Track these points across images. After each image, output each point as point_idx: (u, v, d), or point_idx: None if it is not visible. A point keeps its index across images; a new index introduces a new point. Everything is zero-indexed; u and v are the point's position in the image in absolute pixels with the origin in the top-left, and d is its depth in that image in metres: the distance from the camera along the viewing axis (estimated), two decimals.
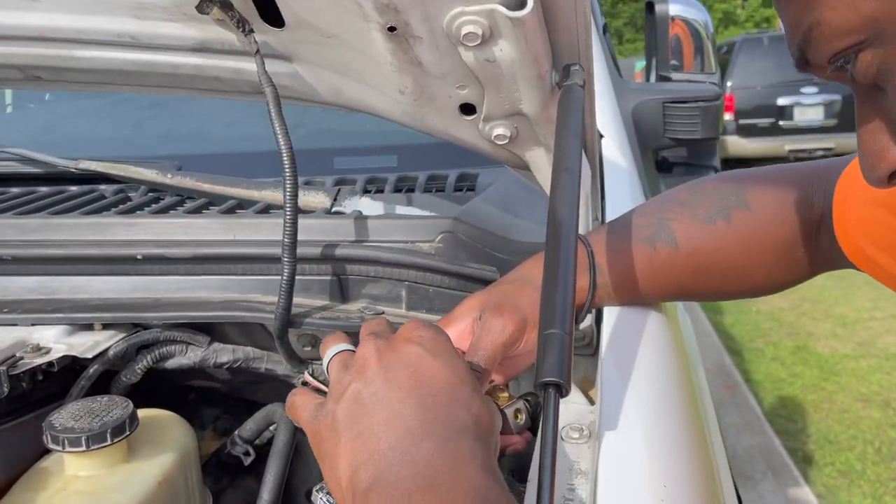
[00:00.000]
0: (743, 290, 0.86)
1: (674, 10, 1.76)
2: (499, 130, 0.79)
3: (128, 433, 0.68)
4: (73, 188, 1.08)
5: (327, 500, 0.60)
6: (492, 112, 0.77)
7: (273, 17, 0.77)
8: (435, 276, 0.83)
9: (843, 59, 0.42)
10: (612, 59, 1.71)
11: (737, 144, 9.01)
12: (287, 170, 0.77)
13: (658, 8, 1.77)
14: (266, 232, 0.87)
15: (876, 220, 0.73)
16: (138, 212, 1.00)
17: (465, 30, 0.65)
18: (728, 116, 8.92)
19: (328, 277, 0.84)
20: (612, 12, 26.41)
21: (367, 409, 0.50)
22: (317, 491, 0.61)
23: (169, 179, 1.03)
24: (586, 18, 0.70)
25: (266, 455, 0.86)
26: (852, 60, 0.42)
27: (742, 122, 9.02)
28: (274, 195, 0.97)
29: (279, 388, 0.90)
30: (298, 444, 0.87)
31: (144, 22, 0.81)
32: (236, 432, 0.88)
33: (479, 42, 0.66)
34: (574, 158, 0.65)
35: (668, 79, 1.68)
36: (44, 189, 1.11)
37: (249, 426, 0.87)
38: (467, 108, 0.78)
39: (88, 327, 0.83)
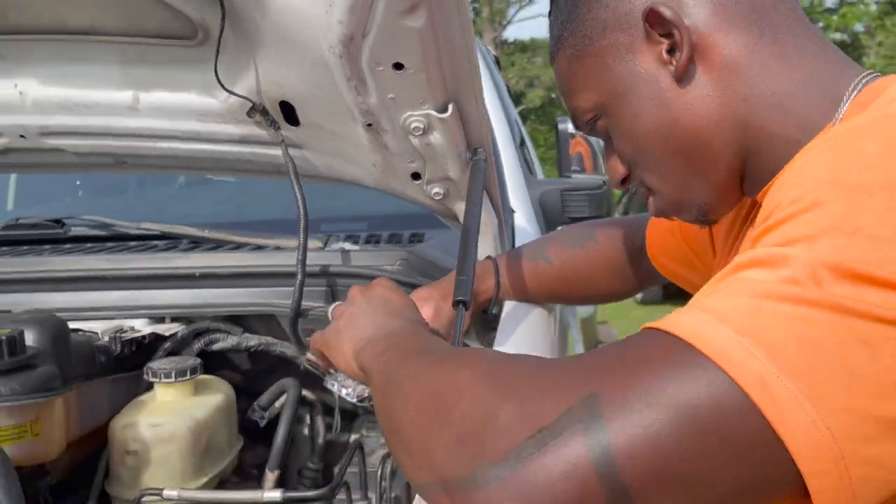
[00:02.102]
0: (592, 295, 1.31)
1: (573, 128, 2.33)
2: (436, 189, 1.25)
3: (198, 374, 1.07)
4: (134, 243, 1.49)
5: (338, 383, 0.99)
6: (431, 177, 1.22)
7: (292, 119, 1.23)
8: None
9: (590, 125, 0.87)
10: (525, 163, 2.21)
11: None
12: (302, 218, 1.20)
13: (560, 127, 2.35)
14: (280, 259, 1.29)
15: (670, 243, 1.19)
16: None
17: (413, 125, 1.12)
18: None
19: (324, 287, 1.26)
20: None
21: (356, 317, 0.91)
22: (329, 382, 1.00)
23: (206, 234, 1.45)
24: (485, 120, 1.18)
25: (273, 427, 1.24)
26: (594, 125, 0.87)
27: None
28: (282, 241, 1.39)
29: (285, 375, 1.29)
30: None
31: (206, 123, 1.27)
32: (255, 403, 1.26)
33: (421, 132, 1.12)
34: (477, 203, 1.10)
35: (568, 177, 2.22)
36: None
37: (265, 397, 1.25)
38: (416, 175, 1.24)
39: (162, 320, 1.23)
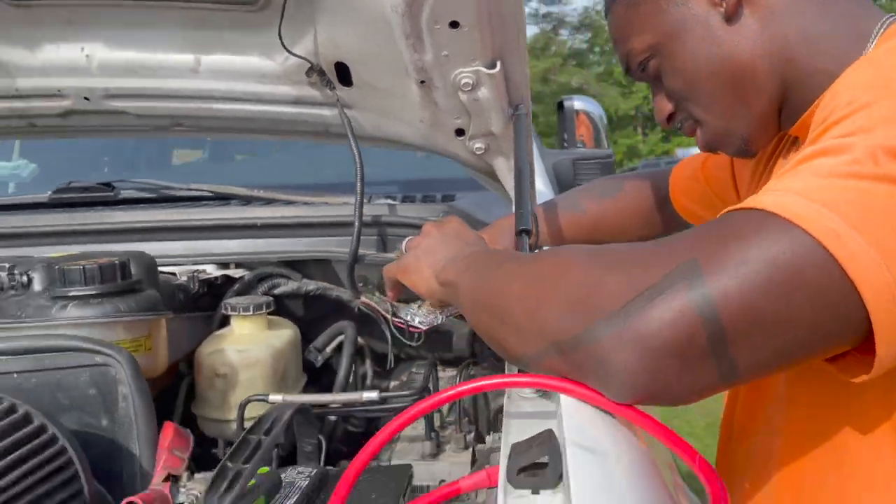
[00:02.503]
0: (624, 240, 1.42)
1: (577, 105, 2.47)
2: (478, 144, 1.35)
3: (271, 309, 1.16)
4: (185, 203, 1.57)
5: (410, 313, 1.08)
6: (474, 133, 1.33)
7: (345, 80, 1.32)
8: None
9: (642, 66, 0.97)
10: (535, 135, 2.33)
11: None
12: (359, 171, 1.29)
13: (566, 104, 2.48)
14: (332, 211, 1.38)
15: (694, 188, 1.31)
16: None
17: (463, 80, 1.22)
18: None
19: (375, 236, 1.36)
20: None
21: (434, 245, 1.01)
22: (403, 312, 1.10)
23: (255, 193, 1.54)
24: (526, 78, 1.28)
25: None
26: (646, 66, 0.97)
27: None
28: (329, 199, 1.48)
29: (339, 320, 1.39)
30: None
31: (264, 85, 1.36)
32: (311, 345, 1.35)
33: (470, 88, 1.22)
34: (525, 148, 1.21)
35: (576, 148, 2.36)
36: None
37: (321, 338, 1.34)
38: (459, 132, 1.34)
39: (226, 267, 1.32)
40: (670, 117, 0.99)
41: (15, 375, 0.80)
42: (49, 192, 1.60)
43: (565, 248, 0.75)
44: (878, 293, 0.57)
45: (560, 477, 0.61)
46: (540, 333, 0.67)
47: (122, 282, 0.96)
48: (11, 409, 0.72)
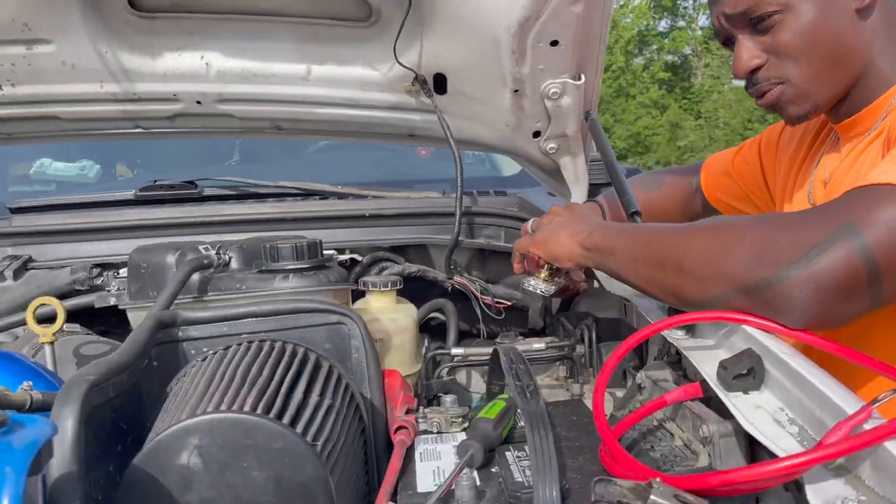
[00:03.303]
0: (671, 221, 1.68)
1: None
2: (551, 144, 1.56)
3: (399, 286, 1.33)
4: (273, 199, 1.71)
5: (535, 282, 1.27)
6: (550, 135, 1.54)
7: (440, 88, 1.51)
8: (516, 222, 1.58)
9: (764, 17, 1.11)
10: None
11: None
12: (459, 169, 1.48)
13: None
14: (424, 203, 1.57)
15: (725, 182, 1.57)
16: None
17: (551, 90, 1.43)
18: None
19: (465, 225, 1.56)
20: None
21: (568, 221, 1.21)
22: (527, 283, 1.29)
23: (339, 189, 1.69)
24: (598, 87, 1.51)
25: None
26: (768, 18, 1.11)
27: None
28: (408, 193, 1.67)
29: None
30: None
31: (366, 92, 1.53)
32: None
33: (557, 97, 1.44)
34: (607, 145, 1.43)
35: None
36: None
37: (420, 311, 1.51)
38: (536, 133, 1.55)
39: (342, 252, 1.49)
40: (754, 70, 1.18)
41: (260, 333, 0.95)
42: (134, 190, 1.70)
43: (725, 217, 0.98)
44: None
45: (762, 380, 0.84)
46: (724, 279, 0.89)
47: (321, 258, 1.12)
48: (306, 355, 0.88)
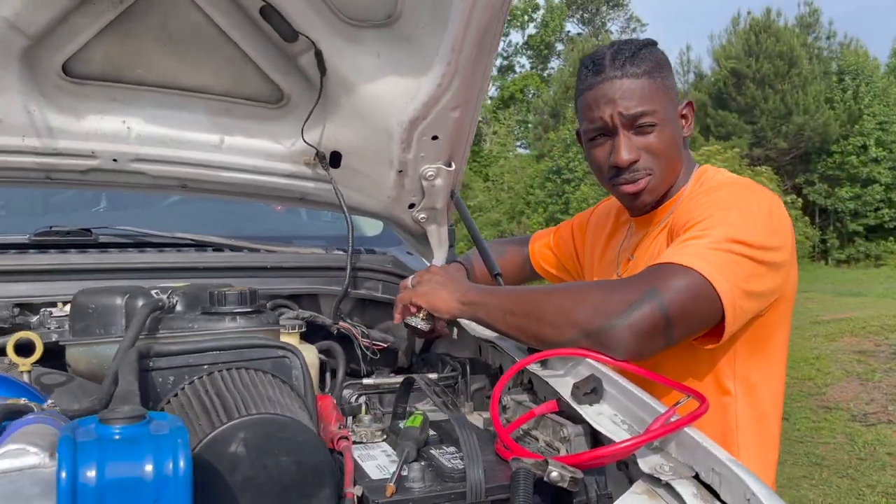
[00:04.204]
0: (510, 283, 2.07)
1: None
2: (422, 215, 1.89)
3: (303, 329, 1.57)
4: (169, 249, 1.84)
5: (416, 319, 1.56)
6: (423, 206, 1.87)
7: (335, 163, 1.80)
8: (391, 277, 1.88)
9: (642, 124, 1.51)
10: None
11: None
12: (350, 230, 1.76)
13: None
14: (316, 259, 1.82)
15: (548, 255, 1.99)
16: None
17: (428, 173, 1.77)
18: None
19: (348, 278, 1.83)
20: None
21: (447, 280, 1.51)
22: (410, 320, 1.57)
23: (229, 242, 1.88)
24: (462, 172, 1.87)
25: None
26: (644, 126, 1.50)
27: None
28: (294, 249, 1.90)
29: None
30: None
31: (269, 161, 1.78)
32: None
33: (432, 178, 1.78)
34: (471, 219, 1.79)
35: None
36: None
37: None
38: (411, 205, 1.87)
39: None
40: (632, 163, 1.54)
41: (218, 365, 1.16)
42: (29, 235, 1.77)
43: (573, 283, 1.36)
44: (728, 299, 1.26)
45: (601, 396, 1.20)
46: (573, 326, 1.26)
47: (258, 303, 1.34)
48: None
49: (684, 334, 1.28)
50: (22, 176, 1.66)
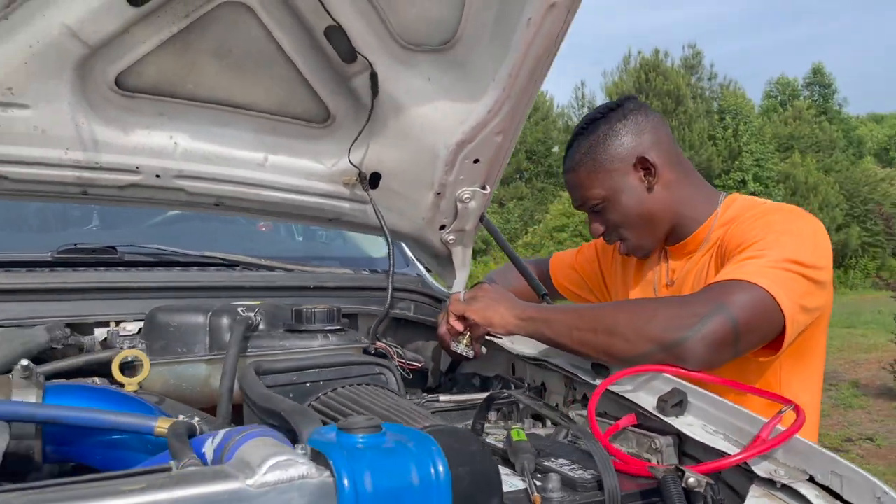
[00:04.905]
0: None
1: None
2: (451, 237, 1.93)
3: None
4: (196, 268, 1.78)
5: (462, 345, 1.58)
6: (453, 228, 1.91)
7: (374, 184, 1.81)
8: (421, 297, 1.90)
9: (594, 207, 1.70)
10: None
11: None
12: (391, 251, 1.77)
13: None
14: (357, 279, 1.81)
15: (572, 276, 2.08)
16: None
17: (464, 195, 1.81)
18: None
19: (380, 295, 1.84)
20: None
21: (501, 296, 1.57)
22: (454, 344, 1.60)
23: (261, 262, 1.84)
24: (491, 196, 1.92)
25: None
26: (596, 207, 1.69)
27: None
28: (320, 269, 1.88)
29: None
30: None
31: (309, 181, 1.77)
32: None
33: (468, 200, 1.82)
34: (505, 241, 1.84)
35: None
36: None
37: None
38: (442, 227, 1.91)
39: None
40: (602, 234, 1.73)
41: (321, 382, 1.15)
42: (51, 252, 1.68)
43: (637, 299, 1.44)
44: (789, 313, 1.37)
45: (686, 408, 1.28)
46: (648, 340, 1.34)
47: (343, 320, 1.33)
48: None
49: (749, 346, 1.38)
50: (58, 191, 1.58)
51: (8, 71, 1.40)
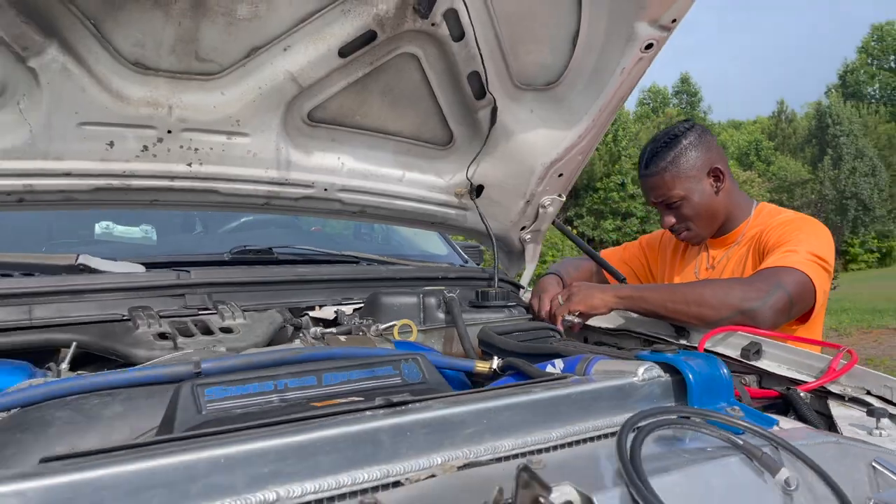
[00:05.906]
0: None
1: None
2: (528, 236, 2.39)
3: None
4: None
5: (567, 318, 2.05)
6: (532, 228, 2.37)
7: (478, 194, 2.25)
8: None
9: (673, 203, 2.21)
10: None
11: None
12: (495, 250, 2.22)
13: None
14: (453, 271, 2.24)
15: (622, 268, 2.59)
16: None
17: (546, 202, 2.29)
18: None
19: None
20: None
21: (593, 286, 2.06)
22: (567, 319, 2.06)
23: (375, 257, 2.22)
24: (562, 204, 2.40)
25: None
26: (674, 203, 2.21)
27: None
28: (415, 263, 2.29)
29: None
30: None
31: (428, 191, 2.19)
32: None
33: (548, 206, 2.30)
34: (579, 239, 2.33)
35: None
36: None
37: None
38: (524, 228, 2.37)
39: None
40: (671, 226, 2.25)
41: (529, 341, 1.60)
42: (226, 253, 1.99)
43: (711, 279, 1.97)
44: (819, 292, 1.94)
45: (761, 354, 1.81)
46: (729, 307, 1.86)
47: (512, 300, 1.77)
48: None
49: (797, 313, 1.94)
50: (249, 202, 1.93)
51: (240, 107, 1.75)
